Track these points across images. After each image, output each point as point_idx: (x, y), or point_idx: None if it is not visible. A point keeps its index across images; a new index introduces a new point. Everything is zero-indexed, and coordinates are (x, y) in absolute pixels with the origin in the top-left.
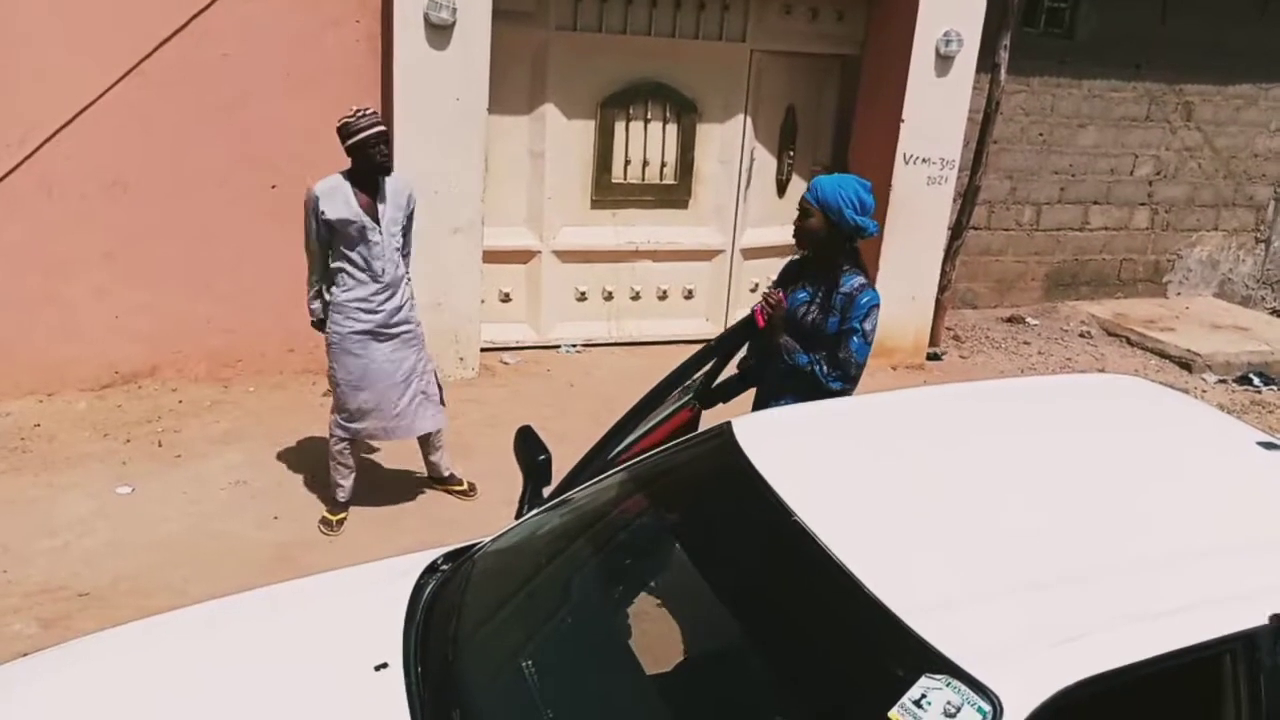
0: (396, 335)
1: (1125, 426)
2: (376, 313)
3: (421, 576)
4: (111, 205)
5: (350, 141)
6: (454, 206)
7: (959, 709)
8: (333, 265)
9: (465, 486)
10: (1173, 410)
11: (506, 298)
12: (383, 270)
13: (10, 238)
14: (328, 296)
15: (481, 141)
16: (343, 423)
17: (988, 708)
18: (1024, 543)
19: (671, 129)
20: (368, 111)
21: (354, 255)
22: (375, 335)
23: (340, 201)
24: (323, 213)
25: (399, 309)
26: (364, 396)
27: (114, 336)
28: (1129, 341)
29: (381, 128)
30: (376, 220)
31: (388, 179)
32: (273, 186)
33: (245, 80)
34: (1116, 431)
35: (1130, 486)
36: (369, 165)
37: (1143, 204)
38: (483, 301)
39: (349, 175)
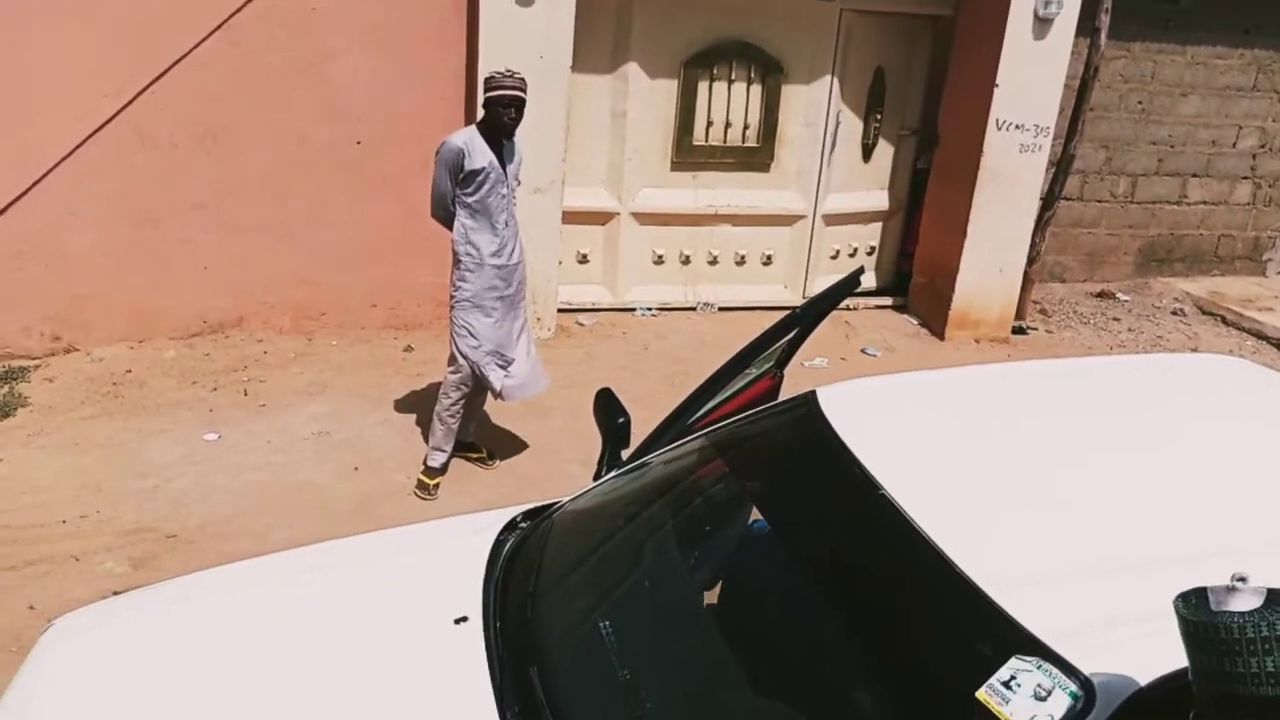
0: (517, 293)
1: (1227, 407)
2: (503, 266)
3: (501, 533)
4: (203, 157)
5: (487, 94)
6: (536, 166)
7: (1050, 692)
8: (461, 221)
9: (485, 454)
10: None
11: (584, 259)
12: (506, 222)
13: (106, 188)
14: (459, 251)
15: (565, 100)
16: (460, 384)
17: (1080, 692)
18: (1120, 523)
19: (755, 90)
20: (516, 75)
21: (483, 208)
22: (502, 293)
23: (478, 151)
24: (467, 160)
25: (518, 264)
26: (488, 355)
27: (203, 287)
28: (1224, 321)
29: (518, 93)
30: (504, 172)
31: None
32: (357, 142)
33: (332, 35)
34: (1218, 412)
35: (1234, 469)
36: (495, 121)
37: (1245, 178)
38: (560, 262)
39: (479, 128)
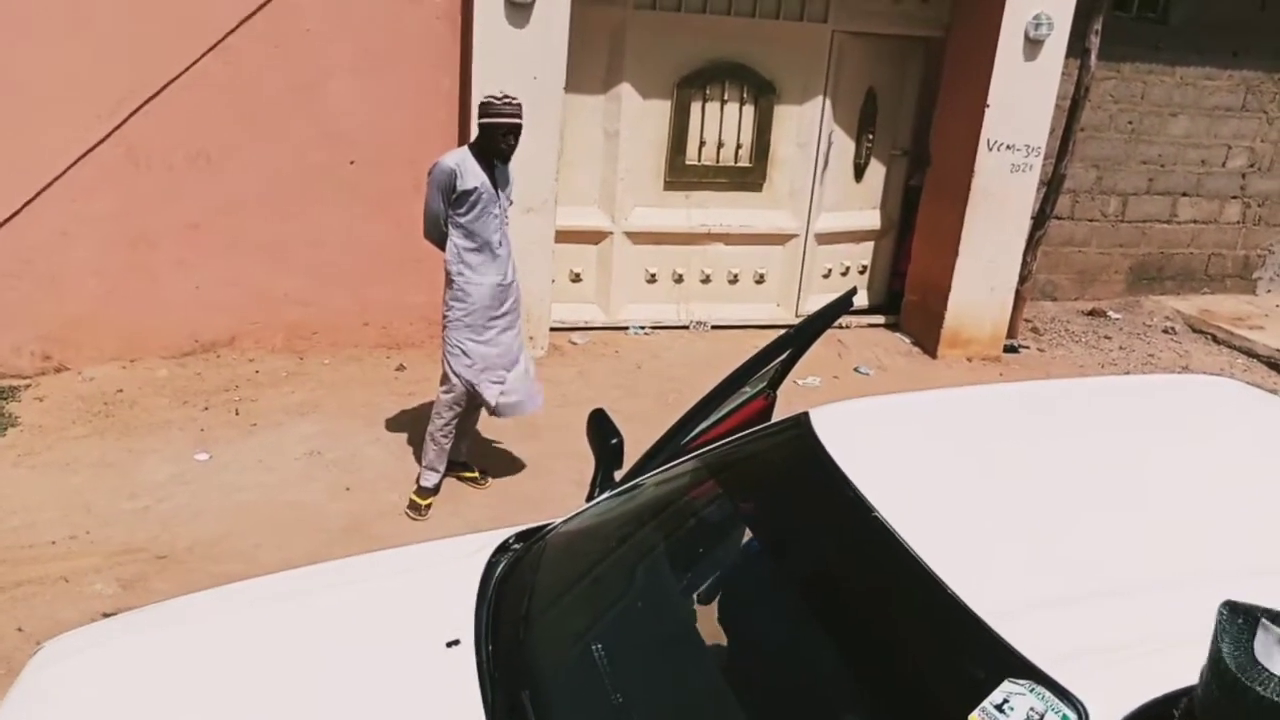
0: (510, 312)
1: (1222, 430)
2: (496, 285)
3: (494, 555)
4: (196, 177)
5: (485, 120)
6: (529, 186)
7: (1042, 716)
8: (454, 242)
9: (477, 474)
10: (1271, 415)
11: (577, 278)
12: (499, 243)
13: (99, 208)
14: (451, 271)
15: (558, 121)
16: (452, 403)
17: (1073, 716)
18: (1114, 546)
19: (748, 110)
20: (514, 101)
21: (475, 229)
22: (495, 312)
23: (470, 172)
24: (459, 181)
25: (511, 283)
26: (482, 373)
27: (195, 306)
28: (1215, 339)
29: (518, 121)
30: (496, 194)
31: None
32: (351, 162)
33: (326, 56)
34: (1211, 435)
35: (1229, 493)
36: (492, 148)
37: (1234, 197)
38: (553, 281)
39: (471, 149)
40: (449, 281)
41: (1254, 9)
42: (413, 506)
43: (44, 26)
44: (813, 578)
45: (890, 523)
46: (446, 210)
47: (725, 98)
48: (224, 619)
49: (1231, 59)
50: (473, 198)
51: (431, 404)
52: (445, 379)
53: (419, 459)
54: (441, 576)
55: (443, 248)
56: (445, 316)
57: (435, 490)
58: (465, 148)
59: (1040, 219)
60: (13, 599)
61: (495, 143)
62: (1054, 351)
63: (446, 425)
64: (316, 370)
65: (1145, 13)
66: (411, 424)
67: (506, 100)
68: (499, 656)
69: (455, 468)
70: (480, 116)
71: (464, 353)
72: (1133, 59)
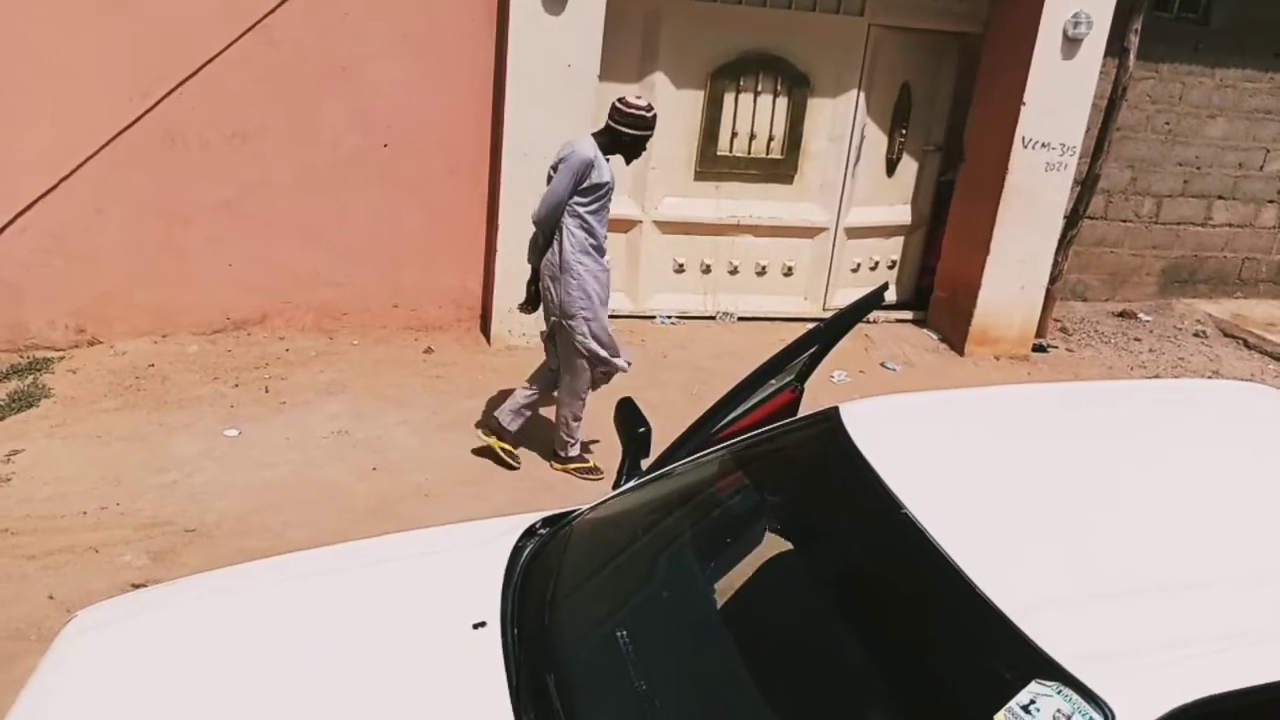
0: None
1: (1252, 435)
2: (605, 273)
3: (520, 539)
4: (231, 156)
5: (633, 130)
6: None
7: (1069, 718)
8: (572, 232)
9: (513, 451)
10: None
11: None
12: (604, 235)
13: (134, 185)
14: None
15: (591, 108)
16: (584, 389)
17: (1099, 719)
18: (1144, 549)
19: (781, 102)
20: (654, 113)
21: (592, 220)
22: (604, 296)
23: (603, 166)
24: (595, 173)
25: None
26: (614, 349)
27: (227, 284)
28: (1246, 344)
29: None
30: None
31: None
32: (384, 145)
33: (363, 40)
34: (1242, 439)
35: (1258, 498)
36: (625, 152)
37: (1271, 201)
38: None
39: (598, 142)
40: (569, 271)
41: None
42: (592, 471)
43: (83, 5)
44: (839, 572)
45: (919, 519)
46: (569, 199)
47: (759, 89)
48: (254, 594)
49: (1273, 61)
50: (601, 190)
51: (458, 387)
52: (577, 369)
53: (445, 441)
54: (469, 559)
55: (547, 234)
56: (567, 308)
57: (582, 451)
58: (592, 140)
59: (1073, 218)
60: (44, 567)
61: (633, 151)
62: (1083, 352)
63: (583, 409)
64: (346, 350)
65: (1186, 13)
66: (438, 407)
67: (651, 110)
68: (524, 640)
69: (499, 433)
70: (627, 124)
71: (600, 340)
72: (1172, 59)
